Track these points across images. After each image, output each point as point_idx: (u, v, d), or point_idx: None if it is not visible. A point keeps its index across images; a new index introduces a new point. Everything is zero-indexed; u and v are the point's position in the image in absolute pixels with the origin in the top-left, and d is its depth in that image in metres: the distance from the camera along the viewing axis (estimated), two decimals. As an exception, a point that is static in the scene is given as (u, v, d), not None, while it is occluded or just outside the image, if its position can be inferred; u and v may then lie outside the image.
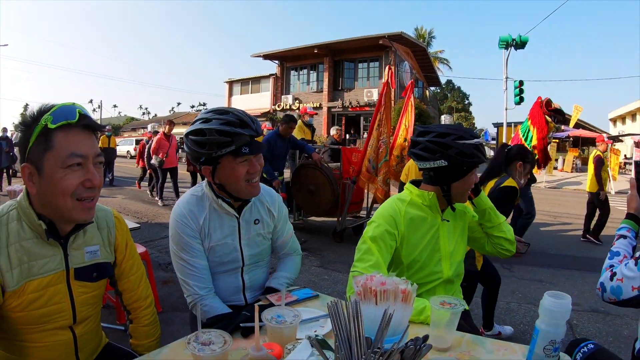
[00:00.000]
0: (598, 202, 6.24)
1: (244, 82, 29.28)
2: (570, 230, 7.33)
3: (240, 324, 1.29)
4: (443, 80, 42.96)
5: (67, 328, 1.23)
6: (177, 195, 8.42)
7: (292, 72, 26.72)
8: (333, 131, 7.89)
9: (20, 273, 1.11)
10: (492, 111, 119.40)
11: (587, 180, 6.57)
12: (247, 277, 1.67)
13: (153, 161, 8.49)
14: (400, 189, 4.15)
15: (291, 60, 26.16)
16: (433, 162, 1.50)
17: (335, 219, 6.07)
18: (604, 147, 6.55)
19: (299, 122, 7.19)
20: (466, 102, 61.48)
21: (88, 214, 1.16)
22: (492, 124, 30.70)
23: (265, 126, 8.24)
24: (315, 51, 23.55)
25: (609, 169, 8.37)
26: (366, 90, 23.01)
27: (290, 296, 1.53)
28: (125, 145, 28.98)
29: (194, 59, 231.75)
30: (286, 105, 25.78)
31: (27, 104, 71.88)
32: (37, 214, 1.13)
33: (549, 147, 5.36)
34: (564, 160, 21.62)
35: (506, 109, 15.13)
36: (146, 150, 9.71)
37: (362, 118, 23.85)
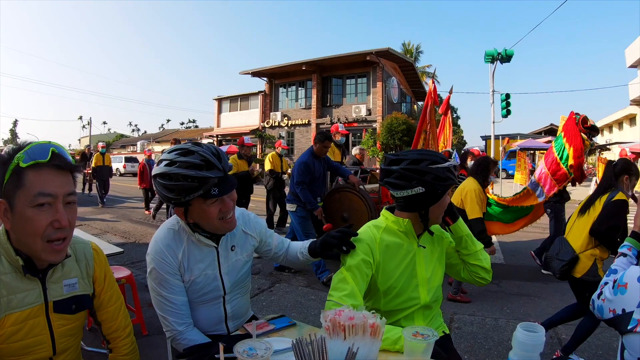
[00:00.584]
0: None
1: (232, 99, 29.30)
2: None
3: (215, 355, 1.27)
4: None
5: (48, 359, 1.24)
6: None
7: (281, 89, 26.83)
8: (356, 151, 7.18)
9: None
10: (481, 124, 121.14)
11: None
12: (229, 307, 1.66)
13: None
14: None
15: (280, 77, 26.30)
16: (410, 190, 1.50)
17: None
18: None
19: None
20: (454, 115, 62.17)
21: (57, 256, 1.17)
22: (480, 136, 31.14)
23: (232, 148, 7.40)
24: (304, 68, 23.71)
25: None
26: (354, 106, 23.16)
27: (267, 325, 1.52)
28: (115, 163, 28.74)
29: (184, 76, 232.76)
30: (275, 122, 25.85)
31: (16, 120, 71.58)
32: (15, 249, 1.15)
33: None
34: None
35: (493, 122, 15.29)
36: (148, 169, 9.10)
37: (350, 134, 23.96)
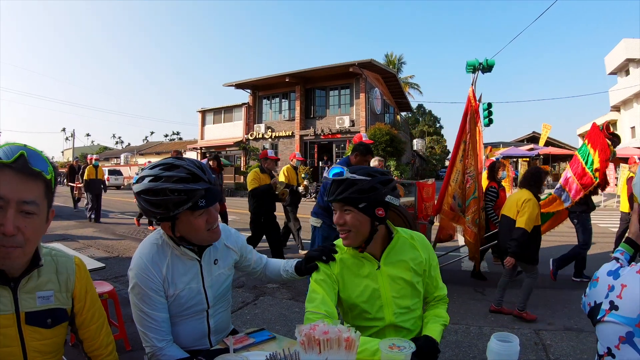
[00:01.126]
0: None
1: (216, 111, 29.23)
2: (542, 247, 7.41)
3: None
4: (414, 105, 43.99)
5: None
6: None
7: (265, 101, 26.85)
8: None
9: None
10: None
11: (621, 200, 7.04)
12: (212, 321, 1.66)
13: None
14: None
15: (263, 89, 26.34)
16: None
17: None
18: (635, 168, 7.02)
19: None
20: (437, 125, 63.00)
21: (5, 262, 1.10)
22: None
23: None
24: (287, 80, 23.79)
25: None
26: (338, 118, 23.29)
27: (247, 339, 1.54)
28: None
29: (168, 89, 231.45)
30: (259, 134, 25.83)
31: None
32: None
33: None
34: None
35: (475, 132, 15.46)
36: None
37: (334, 145, 24.04)
